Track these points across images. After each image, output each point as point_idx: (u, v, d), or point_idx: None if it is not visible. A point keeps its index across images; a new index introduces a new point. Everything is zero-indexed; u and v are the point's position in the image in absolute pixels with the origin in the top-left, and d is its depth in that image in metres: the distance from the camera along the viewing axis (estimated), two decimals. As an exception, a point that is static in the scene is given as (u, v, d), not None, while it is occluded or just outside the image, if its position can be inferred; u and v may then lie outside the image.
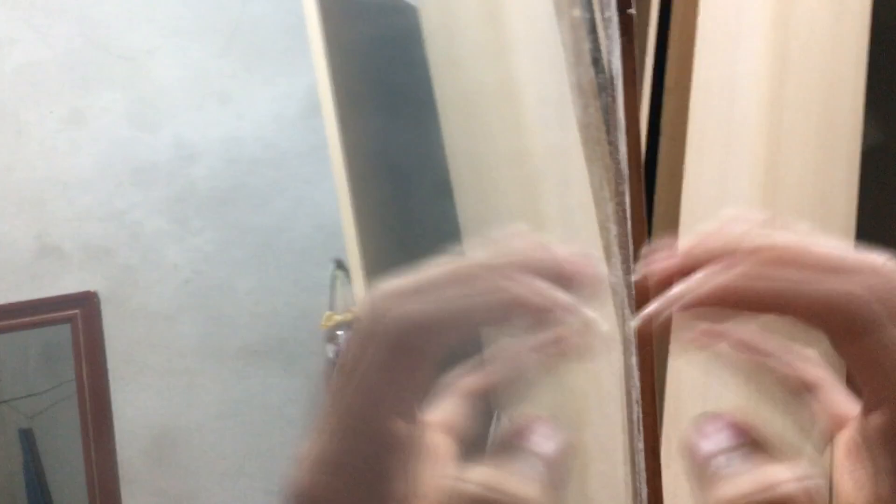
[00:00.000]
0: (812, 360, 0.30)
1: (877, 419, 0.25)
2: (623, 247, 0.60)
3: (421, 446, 0.27)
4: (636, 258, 0.61)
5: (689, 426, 0.26)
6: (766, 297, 0.25)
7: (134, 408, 1.71)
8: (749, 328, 0.30)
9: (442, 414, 0.30)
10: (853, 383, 0.27)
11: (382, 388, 0.25)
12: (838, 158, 0.74)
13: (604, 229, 0.66)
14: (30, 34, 1.74)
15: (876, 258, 0.25)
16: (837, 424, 0.29)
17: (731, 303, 0.25)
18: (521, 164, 0.81)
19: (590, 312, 0.27)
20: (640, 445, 0.60)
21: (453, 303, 0.25)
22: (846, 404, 0.29)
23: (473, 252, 0.27)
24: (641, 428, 0.59)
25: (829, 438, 0.29)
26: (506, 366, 0.31)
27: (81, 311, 1.69)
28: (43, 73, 1.74)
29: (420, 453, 0.27)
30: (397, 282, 0.26)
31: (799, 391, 0.30)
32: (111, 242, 1.72)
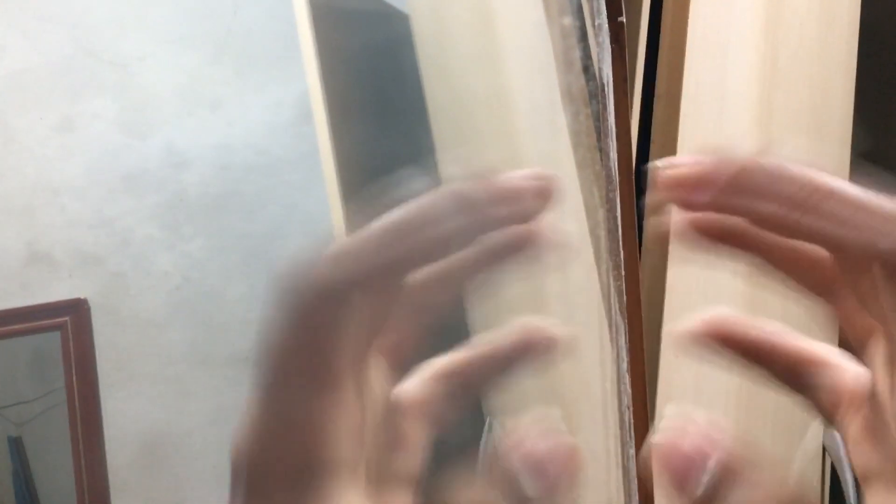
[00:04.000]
0: (814, 337, 0.27)
1: None
2: (613, 252, 0.61)
3: (384, 427, 0.25)
4: (626, 264, 0.61)
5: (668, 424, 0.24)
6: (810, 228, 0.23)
7: (124, 415, 1.70)
8: (741, 319, 0.28)
9: (414, 395, 0.27)
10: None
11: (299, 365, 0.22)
12: (828, 165, 0.75)
13: (594, 235, 0.67)
14: (20, 41, 1.74)
15: None
16: (849, 402, 0.26)
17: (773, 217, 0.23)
18: (513, 171, 0.81)
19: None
20: (632, 451, 0.60)
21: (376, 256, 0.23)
22: (858, 381, 0.26)
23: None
24: (633, 433, 0.59)
25: (834, 417, 0.26)
26: (489, 346, 0.28)
27: (71, 319, 1.69)
28: (33, 79, 1.74)
29: (382, 434, 0.25)
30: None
31: (801, 371, 0.27)
32: (102, 249, 1.71)
